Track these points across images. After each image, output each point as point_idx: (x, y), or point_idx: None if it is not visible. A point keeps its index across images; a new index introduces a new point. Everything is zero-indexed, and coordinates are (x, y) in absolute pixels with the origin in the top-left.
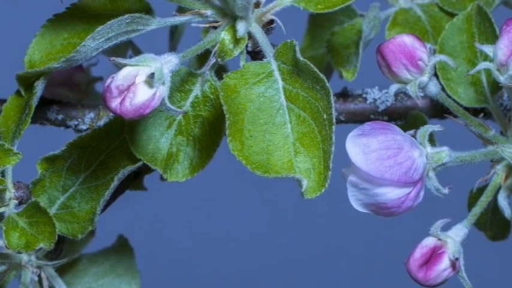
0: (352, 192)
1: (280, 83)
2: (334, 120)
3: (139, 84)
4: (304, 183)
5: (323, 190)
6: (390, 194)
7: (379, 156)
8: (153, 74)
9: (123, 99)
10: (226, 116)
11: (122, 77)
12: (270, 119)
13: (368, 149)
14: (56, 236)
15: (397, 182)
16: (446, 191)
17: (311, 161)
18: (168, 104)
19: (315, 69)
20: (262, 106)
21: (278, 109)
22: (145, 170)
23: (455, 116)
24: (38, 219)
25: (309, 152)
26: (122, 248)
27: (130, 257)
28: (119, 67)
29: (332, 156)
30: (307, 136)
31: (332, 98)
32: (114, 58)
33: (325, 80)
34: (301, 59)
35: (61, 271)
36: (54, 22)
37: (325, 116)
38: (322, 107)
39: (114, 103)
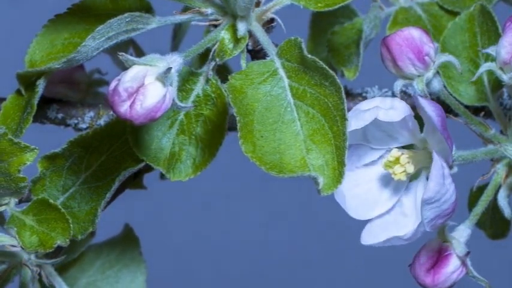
0: (425, 213)
1: (286, 81)
2: (346, 116)
3: (149, 85)
4: (321, 180)
5: (338, 186)
6: (452, 196)
7: (443, 123)
8: (162, 74)
9: (133, 103)
10: (237, 118)
11: (130, 78)
12: (279, 117)
13: (439, 112)
14: (71, 231)
15: (452, 151)
16: (455, 169)
17: (324, 158)
18: (179, 103)
19: (324, 65)
20: (269, 105)
21: (286, 107)
22: (145, 169)
23: (455, 115)
24: (48, 216)
25: (321, 148)
26: (127, 238)
27: (135, 247)
28: (126, 66)
29: (346, 151)
30: (317, 133)
31: (343, 94)
32: (122, 54)
33: (335, 76)
34: (309, 56)
35: (66, 265)
36: (55, 22)
37: (335, 112)
38: (332, 103)
39: (124, 107)
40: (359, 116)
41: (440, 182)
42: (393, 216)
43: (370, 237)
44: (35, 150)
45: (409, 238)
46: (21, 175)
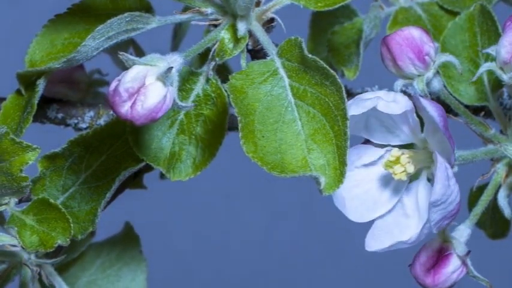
0: (432, 215)
1: (287, 81)
2: (347, 115)
3: (150, 85)
4: (322, 180)
5: (340, 185)
6: (457, 197)
7: (444, 123)
8: (162, 74)
9: (133, 103)
10: (238, 118)
11: (130, 78)
12: (280, 117)
13: (440, 112)
14: (72, 231)
15: (454, 151)
16: (456, 169)
17: (325, 157)
18: (180, 103)
19: (325, 65)
20: (270, 105)
21: (286, 107)
22: (145, 168)
23: (455, 115)
24: (48, 215)
25: (322, 148)
26: (128, 236)
27: (136, 245)
28: (127, 66)
29: (348, 151)
30: (318, 132)
31: (344, 93)
32: (123, 53)
33: (336, 76)
34: (310, 56)
35: (67, 264)
36: (55, 22)
37: (336, 112)
38: (333, 102)
39: (124, 108)
40: (359, 104)
41: (445, 184)
42: (395, 218)
43: (375, 242)
44: (37, 150)
45: (413, 242)
46: (23, 174)
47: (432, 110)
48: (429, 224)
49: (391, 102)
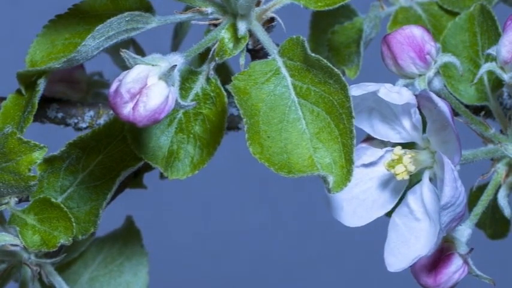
0: (442, 218)
1: (289, 80)
2: (353, 114)
3: (152, 86)
4: (330, 179)
5: (347, 184)
6: (464, 198)
7: (453, 119)
8: (165, 74)
9: (135, 104)
10: (244, 119)
11: (132, 79)
12: (284, 117)
13: (450, 108)
14: (74, 230)
15: (461, 150)
16: (458, 168)
17: (331, 156)
18: (182, 102)
19: (328, 64)
20: (274, 105)
21: (290, 106)
22: (145, 168)
23: (455, 115)
24: (50, 214)
25: (327, 147)
26: (129, 231)
27: (137, 240)
28: (127, 65)
29: (354, 149)
30: (323, 131)
31: (349, 92)
32: (125, 51)
33: (340, 74)
34: (313, 54)
35: (70, 262)
36: (55, 22)
37: (341, 110)
38: (337, 100)
39: (126, 109)
40: (361, 87)
41: (454, 186)
42: (407, 224)
43: (396, 259)
44: (44, 149)
45: (432, 252)
46: (31, 174)
47: (443, 105)
48: (440, 228)
49: (394, 93)
